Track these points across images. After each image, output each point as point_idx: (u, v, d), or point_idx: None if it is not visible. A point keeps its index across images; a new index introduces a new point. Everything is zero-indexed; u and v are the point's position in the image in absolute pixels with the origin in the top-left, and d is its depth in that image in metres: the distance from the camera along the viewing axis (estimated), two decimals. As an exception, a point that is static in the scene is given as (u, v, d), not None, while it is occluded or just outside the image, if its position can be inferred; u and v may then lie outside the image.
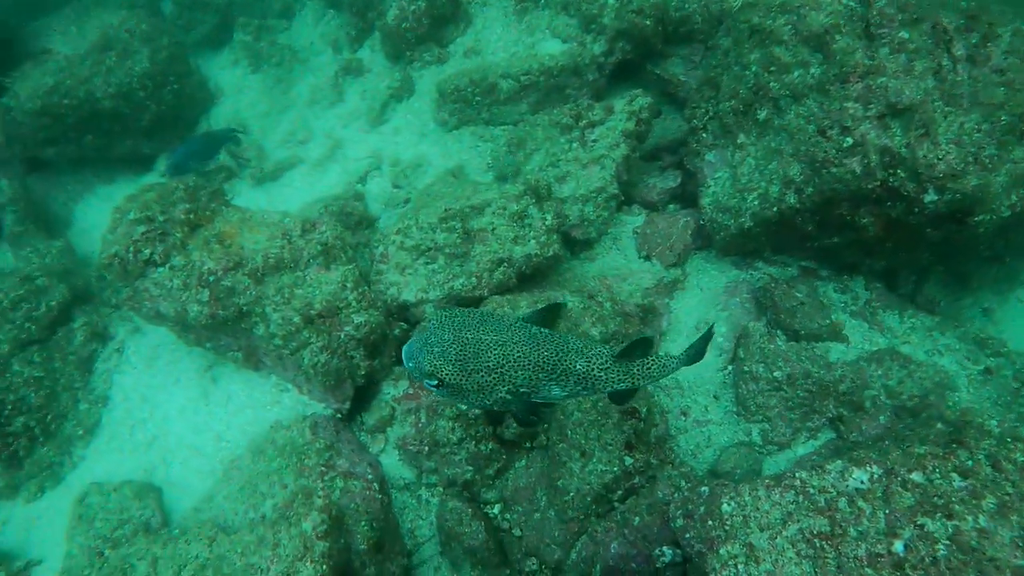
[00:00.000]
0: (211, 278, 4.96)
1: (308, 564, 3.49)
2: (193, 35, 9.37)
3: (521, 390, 3.26)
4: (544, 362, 3.26)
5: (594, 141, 6.26)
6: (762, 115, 5.47)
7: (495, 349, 3.22)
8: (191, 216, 5.39)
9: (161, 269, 5.17)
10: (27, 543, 5.42)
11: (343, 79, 8.38)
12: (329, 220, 5.36)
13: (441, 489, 4.98)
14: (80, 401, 6.09)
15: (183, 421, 5.73)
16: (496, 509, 4.86)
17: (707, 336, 3.67)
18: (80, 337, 6.39)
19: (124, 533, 4.73)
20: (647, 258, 6.19)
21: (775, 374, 5.16)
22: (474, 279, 5.21)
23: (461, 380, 3.19)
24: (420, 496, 5.05)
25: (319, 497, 3.88)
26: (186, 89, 8.33)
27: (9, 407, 5.70)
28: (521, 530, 4.73)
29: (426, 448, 4.88)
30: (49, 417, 5.88)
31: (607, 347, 3.46)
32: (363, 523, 4.22)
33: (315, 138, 7.99)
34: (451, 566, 4.75)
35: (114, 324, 6.67)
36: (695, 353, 3.66)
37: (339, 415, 5.15)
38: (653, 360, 3.51)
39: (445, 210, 5.35)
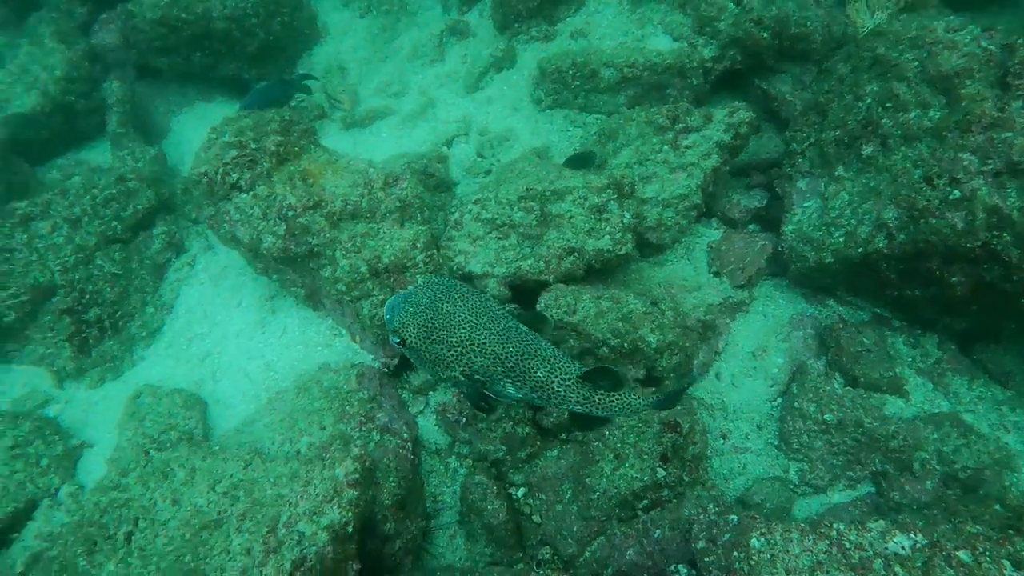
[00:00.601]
0: (289, 213, 5.08)
1: (335, 508, 3.60)
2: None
3: (475, 376, 3.26)
4: (506, 358, 3.23)
5: (686, 147, 6.13)
6: (867, 151, 5.27)
7: (463, 328, 3.22)
8: (281, 149, 5.51)
9: (244, 195, 5.32)
10: (84, 425, 5.73)
11: (447, 39, 8.39)
12: (411, 178, 5.41)
13: (471, 462, 5.04)
14: (148, 305, 6.37)
15: (238, 344, 5.94)
16: (520, 492, 4.90)
17: (683, 389, 3.64)
18: (158, 244, 6.66)
19: (169, 439, 4.96)
20: (717, 274, 6.07)
21: (826, 416, 5.03)
22: (542, 263, 5.20)
23: (421, 346, 3.22)
24: (449, 464, 5.13)
25: (355, 446, 3.98)
26: (295, 23, 8.47)
27: (87, 297, 6.00)
28: (541, 518, 4.76)
29: (464, 419, 4.95)
30: (119, 314, 6.17)
31: (577, 366, 3.37)
32: (391, 479, 4.32)
33: (409, 93, 8.05)
34: (467, 537, 4.82)
35: (190, 238, 6.93)
36: (666, 400, 3.57)
37: (386, 370, 5.25)
38: (618, 397, 3.41)
39: (526, 189, 5.34)
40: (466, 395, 3.43)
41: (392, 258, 4.95)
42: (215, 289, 6.48)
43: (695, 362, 5.57)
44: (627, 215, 5.46)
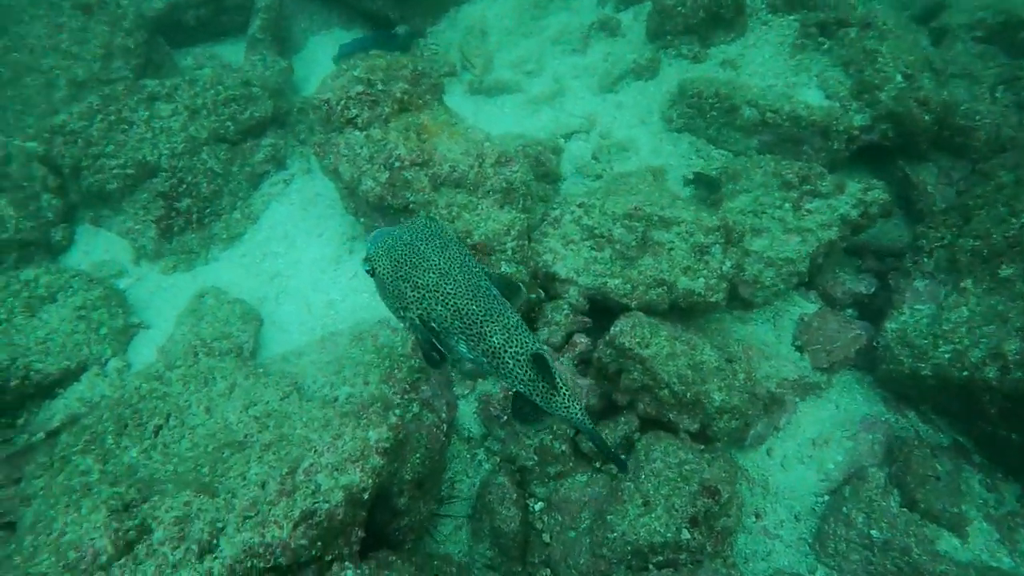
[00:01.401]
0: (396, 163, 5.02)
1: (358, 470, 3.52)
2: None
3: (430, 324, 3.20)
4: (466, 314, 3.15)
5: (808, 211, 5.79)
6: (1006, 272, 4.86)
7: (432, 273, 3.17)
8: (405, 98, 5.45)
9: (357, 133, 5.28)
10: (146, 306, 5.87)
11: (595, 32, 8.18)
12: (523, 162, 5.27)
13: (498, 460, 4.92)
14: (236, 210, 6.46)
15: (309, 273, 5.96)
16: (538, 506, 4.76)
17: (624, 463, 3.41)
18: (262, 155, 6.74)
19: (220, 347, 5.00)
20: (800, 349, 5.74)
21: (872, 531, 4.70)
22: (629, 286, 5.01)
23: (387, 279, 3.21)
24: (476, 455, 5.02)
25: (394, 415, 3.90)
26: (456, -28, 8.44)
27: (184, 186, 6.12)
28: (551, 538, 4.61)
29: (505, 417, 4.82)
30: (208, 210, 6.28)
31: (538, 346, 3.22)
32: (418, 455, 4.23)
33: (542, 75, 7.89)
34: (472, 533, 4.72)
35: (293, 157, 6.99)
36: (604, 451, 3.32)
37: (443, 343, 5.15)
38: (560, 397, 3.21)
39: (635, 208, 5.14)
40: (418, 341, 3.39)
41: (483, 237, 4.83)
42: (302, 213, 6.52)
43: (751, 431, 5.29)
44: (728, 263, 5.20)
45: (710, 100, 6.76)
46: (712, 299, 5.09)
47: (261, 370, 4.60)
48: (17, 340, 4.99)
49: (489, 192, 5.06)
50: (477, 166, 5.08)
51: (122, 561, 3.21)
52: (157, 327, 5.72)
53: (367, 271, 3.33)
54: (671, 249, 5.13)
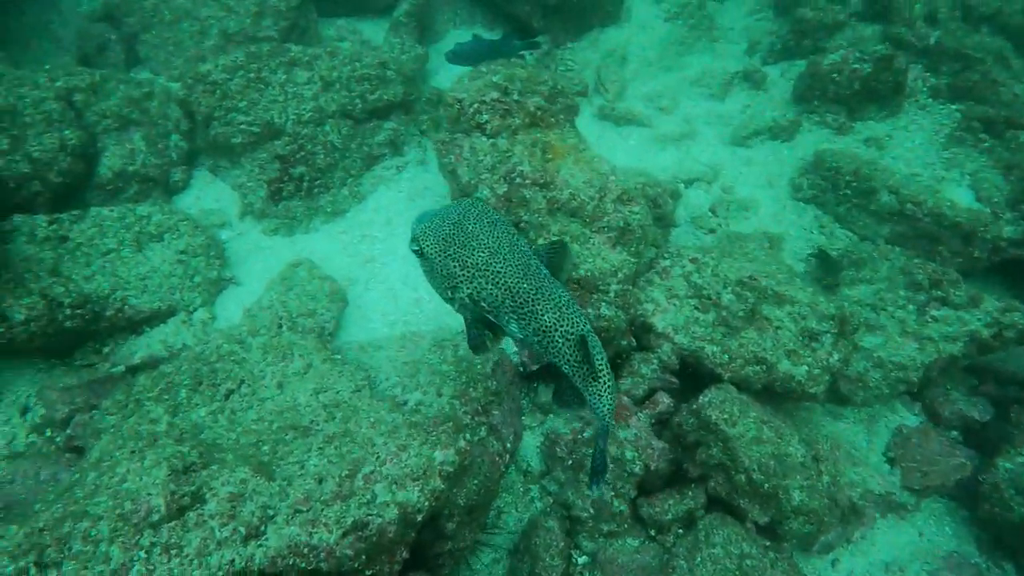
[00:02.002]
0: (516, 179, 4.89)
1: (417, 490, 3.39)
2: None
3: (481, 303, 3.14)
4: (518, 293, 3.10)
5: (933, 319, 5.36)
6: None
7: (482, 252, 3.11)
8: (539, 113, 5.32)
9: (483, 139, 5.18)
10: (241, 262, 5.94)
11: (737, 81, 7.88)
12: (644, 205, 5.06)
13: (551, 502, 4.72)
14: (345, 187, 6.48)
15: (402, 265, 5.91)
16: (582, 560, 4.53)
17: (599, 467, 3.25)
18: (381, 137, 6.74)
19: (304, 324, 4.98)
20: (891, 462, 5.31)
21: None
22: (726, 356, 4.72)
23: (436, 259, 3.16)
24: (529, 490, 4.83)
25: (464, 439, 3.76)
26: (604, -3, 8.30)
27: (302, 154, 6.18)
28: (589, 600, 4.38)
29: (569, 462, 4.62)
30: (318, 182, 6.32)
31: (588, 326, 3.17)
32: (476, 482, 4.07)
33: (674, 114, 7.65)
34: (509, 571, 4.53)
35: (410, 145, 6.97)
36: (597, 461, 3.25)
37: (521, 369, 5.00)
38: (599, 384, 3.14)
39: (750, 276, 4.85)
40: (467, 323, 3.30)
41: (587, 273, 4.64)
42: (408, 203, 6.48)
43: (822, 538, 4.91)
44: (835, 356, 4.84)
45: (847, 177, 6.36)
46: (811, 390, 4.75)
47: (338, 356, 4.55)
48: (120, 272, 5.10)
49: (604, 228, 4.86)
50: (598, 199, 4.89)
51: (172, 524, 3.17)
52: (247, 285, 5.78)
53: (414, 251, 3.27)
54: (779, 328, 4.81)
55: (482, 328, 3.22)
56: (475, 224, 3.18)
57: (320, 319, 5.16)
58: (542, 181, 4.89)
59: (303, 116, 6.22)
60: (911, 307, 5.38)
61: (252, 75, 6.14)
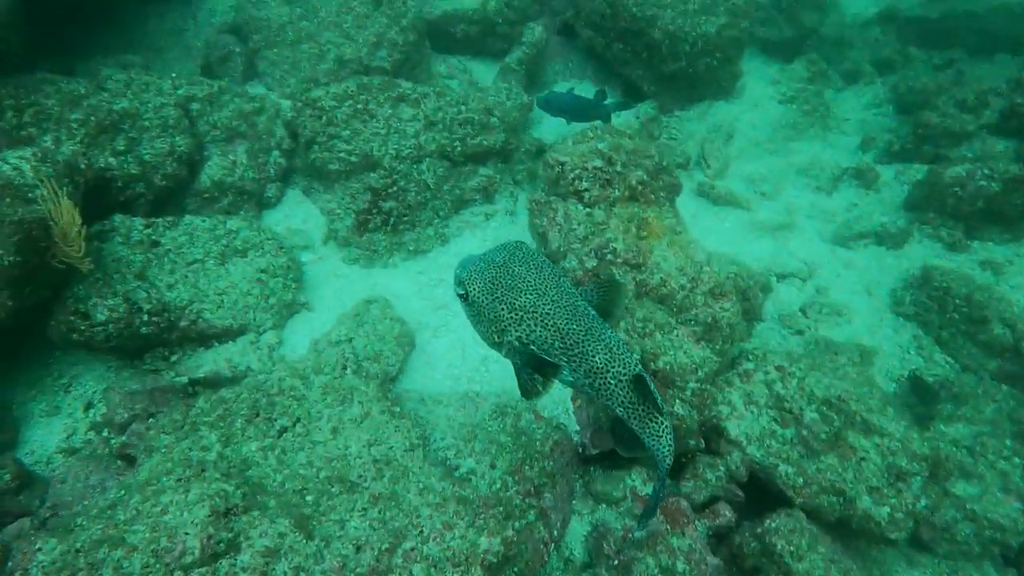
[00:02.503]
0: (608, 255, 4.72)
1: (456, 578, 3.21)
2: (767, 31, 9.14)
3: (530, 347, 3.05)
4: (568, 334, 3.03)
5: (1039, 475, 4.84)
6: None
7: (530, 294, 3.03)
8: (639, 188, 5.15)
9: (579, 208, 5.04)
10: (317, 287, 5.95)
11: (846, 177, 7.53)
12: (736, 302, 4.79)
13: (590, 601, 4.43)
14: (431, 227, 6.44)
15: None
16: (614, 672, 4.21)
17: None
18: (475, 183, 6.70)
19: (368, 368, 4.90)
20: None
21: None
22: (801, 480, 4.37)
23: (483, 302, 3.08)
24: (566, 583, 4.55)
25: (512, 528, 3.55)
26: (720, 72, 8.14)
27: (395, 188, 6.18)
28: None
29: (615, 562, 4.32)
30: (406, 218, 6.30)
31: (640, 368, 3.10)
32: (515, 569, 3.84)
33: (776, 201, 7.35)
34: (535, 668, 4.24)
35: (503, 194, 6.90)
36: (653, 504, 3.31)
37: (581, 450, 4.76)
38: (657, 423, 3.14)
39: (838, 397, 4.50)
40: (517, 371, 3.17)
41: (667, 366, 4.39)
42: (490, 253, 6.38)
43: None
44: (923, 501, 4.43)
45: (957, 300, 5.91)
46: (892, 536, 4.33)
47: (397, 409, 4.42)
48: (201, 284, 5.16)
49: (691, 321, 4.62)
50: (689, 288, 4.66)
51: (203, 569, 3.08)
52: (318, 312, 5.76)
53: (460, 295, 3.19)
54: (864, 459, 4.43)
55: (532, 372, 3.10)
56: (520, 266, 3.11)
57: (385, 363, 5.07)
58: (634, 261, 4.70)
59: (402, 152, 6.23)
60: (1017, 460, 4.89)
61: (360, 106, 6.21)
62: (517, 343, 3.08)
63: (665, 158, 5.38)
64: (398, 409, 4.43)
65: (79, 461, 4.34)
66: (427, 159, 6.35)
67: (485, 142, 6.65)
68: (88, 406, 4.90)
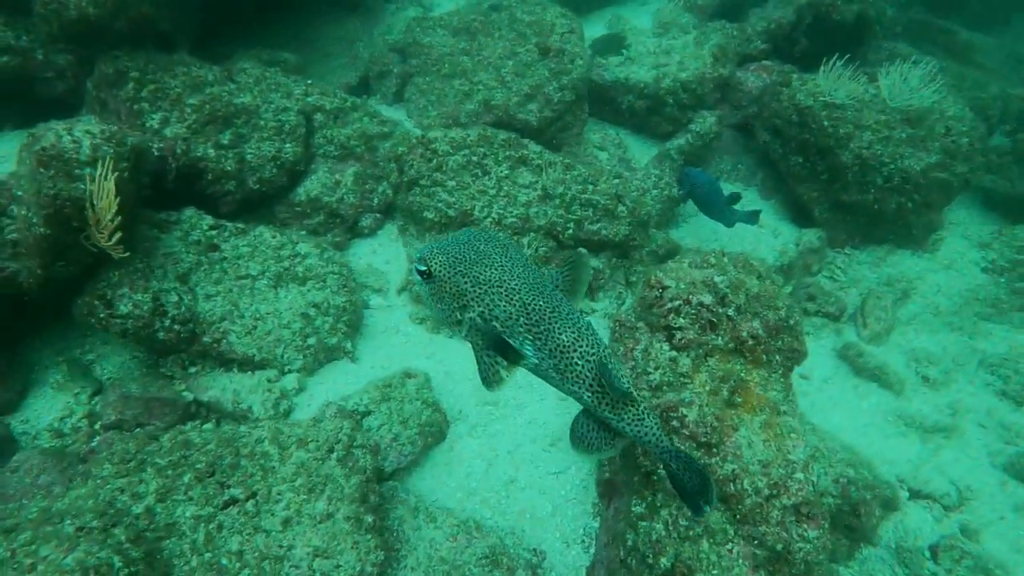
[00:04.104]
0: (674, 421, 3.73)
1: None
2: (994, 180, 7.60)
3: (493, 323, 2.88)
4: (533, 309, 2.86)
5: None
6: None
7: (494, 269, 2.91)
8: (750, 342, 4.11)
9: (665, 347, 4.09)
10: (371, 338, 5.44)
11: None
12: (824, 530, 3.59)
13: None
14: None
15: (518, 430, 4.96)
16: None
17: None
18: (586, 269, 5.89)
19: (360, 460, 4.16)
20: None
21: None
22: None
23: (445, 277, 2.93)
24: None
25: None
26: (926, 213, 6.75)
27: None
28: None
29: None
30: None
31: (608, 352, 2.92)
32: None
33: (939, 393, 5.84)
34: None
35: (607, 293, 6.05)
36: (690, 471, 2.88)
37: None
38: (634, 408, 2.90)
39: None
40: (477, 351, 2.93)
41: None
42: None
43: None
44: None
45: None
46: None
47: (369, 519, 3.70)
48: (242, 303, 4.79)
49: (755, 540, 3.49)
50: (766, 496, 3.54)
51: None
52: (361, 365, 5.23)
53: (420, 271, 2.98)
54: None
55: (494, 357, 2.88)
56: (485, 245, 3.00)
57: (390, 454, 4.39)
58: (705, 439, 3.66)
59: (505, 219, 5.59)
60: None
61: (475, 158, 5.66)
62: (479, 319, 2.90)
63: (793, 315, 4.27)
64: (370, 519, 3.71)
65: (40, 454, 4.03)
66: (532, 233, 5.65)
67: (604, 231, 5.83)
68: (97, 392, 4.65)
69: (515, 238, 5.62)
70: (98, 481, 3.45)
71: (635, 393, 2.89)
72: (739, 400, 4.02)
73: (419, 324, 5.64)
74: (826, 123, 6.57)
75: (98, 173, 3.80)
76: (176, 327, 4.49)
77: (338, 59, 7.85)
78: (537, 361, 2.91)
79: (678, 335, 4.12)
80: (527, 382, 5.31)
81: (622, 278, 6.10)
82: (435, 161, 5.65)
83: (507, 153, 5.72)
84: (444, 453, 4.79)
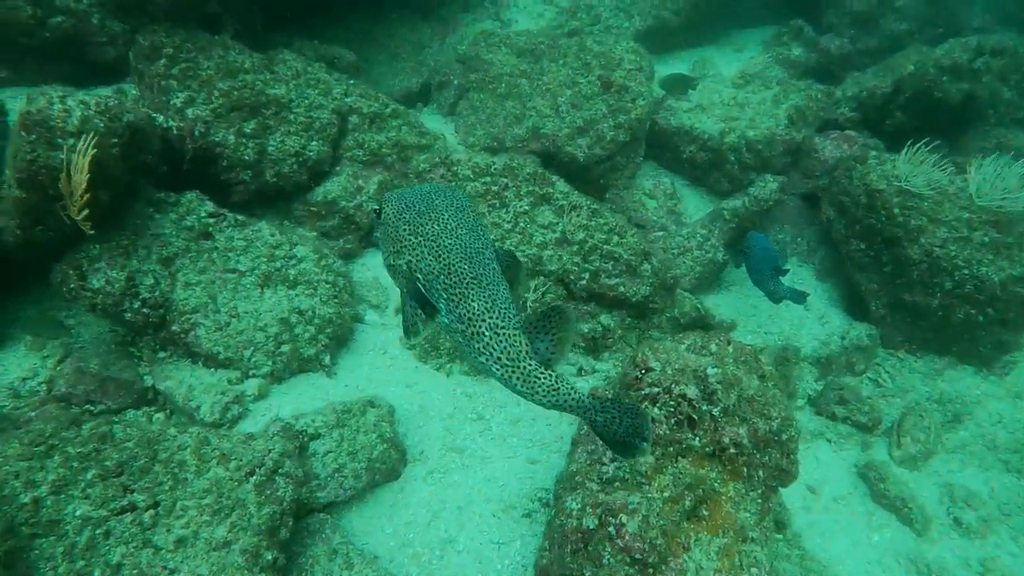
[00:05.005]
0: (611, 527, 3.30)
1: None
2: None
3: (416, 274, 2.91)
4: (454, 272, 2.84)
5: None
6: None
7: (436, 224, 2.92)
8: (730, 451, 3.62)
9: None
10: (355, 355, 5.21)
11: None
12: None
13: None
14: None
15: (479, 486, 4.61)
16: None
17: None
18: (586, 327, 5.49)
19: (281, 489, 3.92)
20: None
21: None
22: None
23: (391, 220, 3.01)
24: None
25: None
26: (1000, 331, 5.95)
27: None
28: None
29: None
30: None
31: (522, 327, 2.78)
32: None
33: (972, 543, 5.05)
34: None
35: (613, 356, 5.60)
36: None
37: None
38: (549, 376, 2.73)
39: None
40: (403, 298, 3.03)
41: None
42: (569, 418, 5.13)
43: None
44: None
45: None
46: None
47: (269, 557, 3.44)
48: (220, 297, 4.65)
49: None
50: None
51: None
52: (336, 382, 5.01)
53: (374, 210, 3.14)
54: None
55: (416, 308, 2.94)
56: (442, 201, 3.02)
57: (329, 484, 4.12)
58: (641, 556, 3.20)
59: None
60: None
61: (496, 187, 5.35)
62: (406, 268, 2.97)
63: (786, 432, 3.74)
64: (270, 557, 3.46)
65: (-15, 416, 3.99)
66: (541, 277, 5.29)
67: (621, 288, 5.40)
68: (64, 358, 4.62)
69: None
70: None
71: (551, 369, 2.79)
72: (704, 513, 3.56)
73: (409, 349, 5.38)
74: (897, 211, 5.89)
75: (78, 147, 3.73)
76: (145, 310, 4.40)
77: (404, 62, 7.74)
78: (448, 322, 2.91)
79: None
80: (500, 434, 4.97)
81: (634, 341, 5.64)
82: (452, 184, 5.39)
83: (531, 188, 5.38)
84: (392, 493, 4.49)
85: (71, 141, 3.80)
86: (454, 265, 2.86)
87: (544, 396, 2.74)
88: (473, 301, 2.82)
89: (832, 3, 8.88)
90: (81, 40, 5.59)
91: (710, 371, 3.86)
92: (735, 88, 7.52)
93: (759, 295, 6.22)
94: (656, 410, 3.71)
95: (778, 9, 9.64)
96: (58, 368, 4.54)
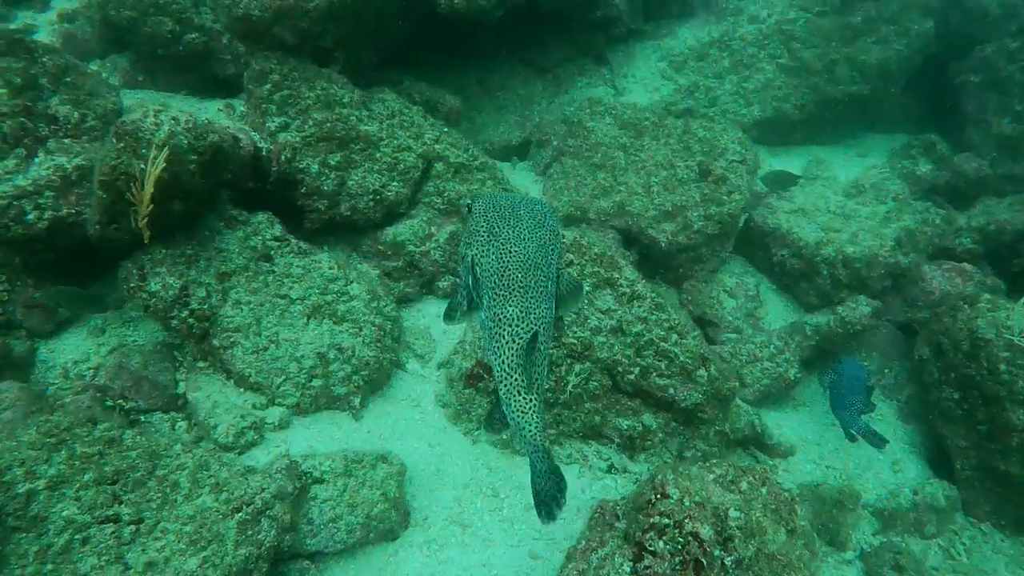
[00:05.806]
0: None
1: None
2: None
3: (476, 267, 3.20)
4: (507, 277, 3.12)
5: None
6: None
7: (512, 231, 3.20)
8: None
9: (627, 566, 3.36)
10: (387, 403, 5.19)
11: None
12: None
13: None
14: (547, 441, 5.15)
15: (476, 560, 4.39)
16: None
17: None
18: (625, 424, 5.20)
19: (262, 529, 3.86)
20: None
21: None
22: None
23: (476, 215, 3.32)
24: None
25: None
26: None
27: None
28: None
29: None
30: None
31: (545, 340, 3.14)
32: None
33: None
34: None
35: (650, 458, 5.25)
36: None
37: None
38: (525, 403, 3.04)
39: None
40: (458, 287, 3.33)
41: None
42: (578, 516, 4.85)
43: None
44: None
45: None
46: None
47: (234, 602, 3.37)
48: (265, 321, 4.72)
49: None
50: None
51: None
52: (361, 425, 4.95)
53: (466, 205, 3.46)
54: None
55: (463, 300, 3.26)
56: (526, 212, 3.29)
57: (321, 533, 4.03)
58: None
59: (565, 337, 5.05)
60: None
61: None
62: (470, 259, 3.24)
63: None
64: (235, 601, 3.39)
65: (19, 389, 4.16)
66: (588, 363, 5.05)
67: (671, 391, 5.07)
68: (115, 349, 4.81)
69: (567, 360, 5.05)
70: (12, 444, 3.48)
71: (534, 392, 3.03)
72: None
73: (441, 407, 5.26)
74: (1002, 367, 5.24)
75: (150, 160, 3.92)
76: (191, 320, 4.53)
77: (510, 115, 7.80)
78: (484, 318, 3.15)
79: (647, 561, 3.37)
80: (511, 517, 4.73)
81: (675, 448, 5.27)
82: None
83: (595, 269, 5.17)
84: (384, 555, 4.35)
85: (153, 153, 4.00)
86: (510, 270, 3.14)
87: (513, 412, 3.01)
88: (511, 306, 3.08)
89: (977, 123, 8.21)
90: (209, 55, 5.97)
91: (732, 513, 3.51)
92: (845, 196, 7.05)
93: (833, 423, 5.73)
94: (660, 544, 3.39)
95: (919, 121, 9.05)
96: (107, 357, 4.76)
